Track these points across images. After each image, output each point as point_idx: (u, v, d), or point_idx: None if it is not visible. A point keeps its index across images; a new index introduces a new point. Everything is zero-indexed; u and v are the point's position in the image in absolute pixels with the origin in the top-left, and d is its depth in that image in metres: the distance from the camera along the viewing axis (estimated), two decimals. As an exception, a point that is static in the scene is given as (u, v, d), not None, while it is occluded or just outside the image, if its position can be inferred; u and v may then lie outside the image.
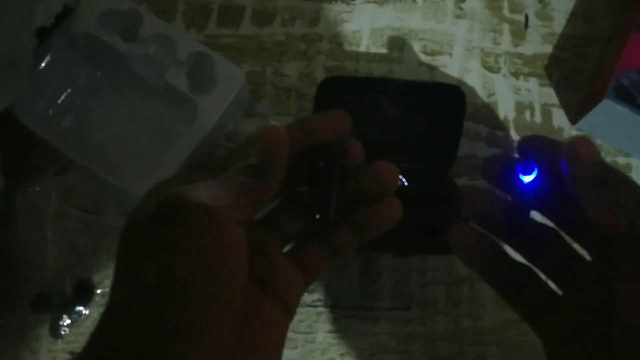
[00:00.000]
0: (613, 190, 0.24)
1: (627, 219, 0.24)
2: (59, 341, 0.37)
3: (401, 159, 0.37)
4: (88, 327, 0.37)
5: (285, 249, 0.27)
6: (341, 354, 0.37)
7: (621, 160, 0.41)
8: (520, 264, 0.28)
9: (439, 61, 0.43)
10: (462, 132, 0.37)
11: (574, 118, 0.42)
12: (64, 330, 0.37)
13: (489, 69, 0.43)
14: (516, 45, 0.43)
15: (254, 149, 0.23)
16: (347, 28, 0.43)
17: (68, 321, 0.37)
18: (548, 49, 0.43)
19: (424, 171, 0.38)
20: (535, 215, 0.28)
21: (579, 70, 0.43)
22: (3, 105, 0.34)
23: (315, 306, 0.38)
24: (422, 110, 0.38)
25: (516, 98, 0.42)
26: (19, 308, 0.37)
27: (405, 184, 0.37)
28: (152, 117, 0.40)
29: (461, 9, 0.44)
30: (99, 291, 0.38)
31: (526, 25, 0.44)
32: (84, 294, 0.37)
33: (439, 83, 0.40)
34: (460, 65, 0.43)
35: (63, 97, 0.40)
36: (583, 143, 0.25)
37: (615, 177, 0.25)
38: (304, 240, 0.27)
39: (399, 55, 0.43)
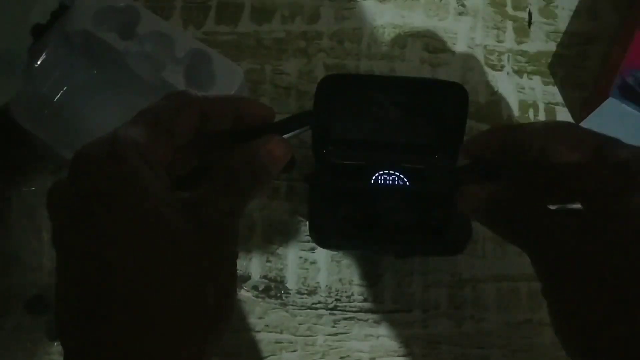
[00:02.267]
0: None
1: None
2: (55, 343, 0.36)
3: (403, 159, 0.37)
4: (84, 330, 0.36)
5: None
6: (342, 357, 0.36)
7: (626, 160, 0.41)
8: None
9: (441, 59, 0.42)
10: (465, 130, 0.36)
11: (578, 117, 0.41)
12: (60, 333, 0.36)
13: (492, 66, 0.42)
14: (519, 42, 0.43)
15: (255, 162, 0.24)
16: (348, 25, 0.43)
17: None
18: (552, 46, 0.43)
19: (425, 170, 0.37)
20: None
21: (583, 69, 0.42)
22: (-2, 104, 0.34)
23: (316, 309, 0.37)
24: (424, 108, 0.37)
25: (520, 96, 0.42)
26: (15, 310, 0.36)
27: (407, 183, 0.37)
28: (149, 115, 0.39)
29: (464, 5, 0.44)
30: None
31: (530, 22, 0.43)
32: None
33: (441, 81, 0.39)
34: (462, 63, 0.42)
35: (59, 95, 0.39)
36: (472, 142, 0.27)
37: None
38: None
39: (400, 53, 0.42)
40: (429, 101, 0.37)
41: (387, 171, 0.36)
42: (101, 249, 0.19)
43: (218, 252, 0.22)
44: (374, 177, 0.37)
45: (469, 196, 0.26)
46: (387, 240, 0.35)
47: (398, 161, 0.37)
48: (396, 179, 0.36)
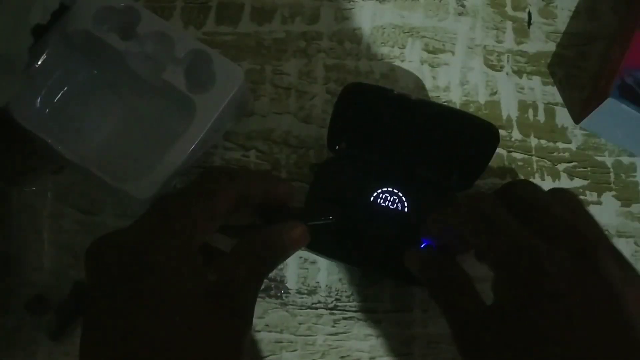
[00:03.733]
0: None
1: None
2: (56, 343, 0.36)
3: (410, 183, 0.35)
4: (85, 329, 0.36)
5: None
6: (341, 357, 0.36)
7: (625, 160, 0.41)
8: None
9: (441, 59, 0.42)
10: (484, 170, 0.35)
11: (577, 117, 0.41)
12: (61, 332, 0.36)
13: (492, 67, 0.42)
14: (519, 43, 0.43)
15: (279, 246, 0.28)
16: (348, 25, 0.43)
17: (65, 323, 0.36)
18: (551, 46, 0.43)
19: (428, 200, 0.35)
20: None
21: (583, 69, 0.42)
22: (-2, 105, 0.34)
23: (316, 308, 0.37)
24: (449, 140, 0.35)
25: (519, 97, 0.42)
26: (15, 310, 0.36)
27: (406, 208, 0.35)
28: (149, 116, 0.39)
29: (463, 6, 0.44)
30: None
31: (529, 22, 0.43)
32: (81, 295, 0.37)
33: (474, 117, 0.35)
34: (462, 63, 0.42)
35: (59, 96, 0.39)
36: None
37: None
38: None
39: (400, 54, 0.42)
40: (454, 132, 0.35)
41: (389, 189, 0.35)
42: (134, 318, 0.23)
43: (239, 334, 0.25)
44: (374, 194, 0.35)
45: (410, 257, 0.31)
46: (371, 260, 0.35)
47: (407, 185, 0.35)
48: (397, 200, 0.35)
